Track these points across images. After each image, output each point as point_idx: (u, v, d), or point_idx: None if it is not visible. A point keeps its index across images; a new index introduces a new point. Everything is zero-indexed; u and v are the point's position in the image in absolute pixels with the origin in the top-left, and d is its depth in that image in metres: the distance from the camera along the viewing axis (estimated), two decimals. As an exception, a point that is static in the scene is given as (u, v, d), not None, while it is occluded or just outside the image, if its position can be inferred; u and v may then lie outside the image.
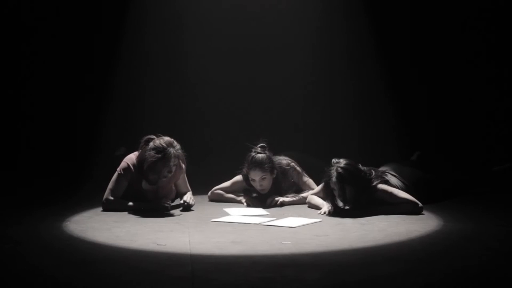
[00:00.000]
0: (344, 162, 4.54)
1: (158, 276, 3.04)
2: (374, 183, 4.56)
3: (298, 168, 5.13)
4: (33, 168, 6.27)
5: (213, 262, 3.29)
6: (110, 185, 4.71)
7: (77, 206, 4.85)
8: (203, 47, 7.03)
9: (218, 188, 5.21)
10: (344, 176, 4.46)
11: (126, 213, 4.58)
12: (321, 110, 7.06)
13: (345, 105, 7.02)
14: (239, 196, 5.14)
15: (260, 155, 4.93)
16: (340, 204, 4.57)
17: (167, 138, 4.70)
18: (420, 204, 4.54)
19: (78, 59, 6.68)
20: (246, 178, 5.04)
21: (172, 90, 7.07)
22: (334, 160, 4.59)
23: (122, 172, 4.70)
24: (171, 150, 4.63)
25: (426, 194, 4.73)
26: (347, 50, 7.03)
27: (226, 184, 5.22)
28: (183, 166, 4.86)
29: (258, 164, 4.91)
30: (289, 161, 5.12)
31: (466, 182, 5.42)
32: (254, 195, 5.08)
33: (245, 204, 5.01)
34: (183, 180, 4.94)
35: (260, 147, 4.98)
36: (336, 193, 4.51)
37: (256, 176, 4.93)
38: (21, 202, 5.09)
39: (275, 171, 4.98)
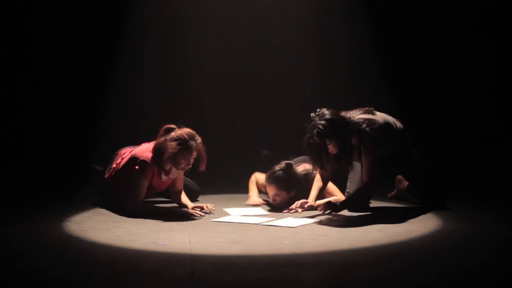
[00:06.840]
0: (326, 116, 4.43)
1: (158, 276, 3.04)
2: (356, 128, 4.47)
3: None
4: (32, 168, 6.28)
5: (213, 262, 3.29)
6: (133, 189, 4.52)
7: (77, 206, 4.85)
8: (202, 47, 7.02)
9: (257, 174, 5.20)
10: (324, 132, 4.39)
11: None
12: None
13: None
14: (253, 200, 5.09)
15: (280, 173, 4.85)
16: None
17: (188, 130, 4.54)
18: (372, 184, 4.49)
19: (77, 61, 6.68)
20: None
21: (171, 90, 7.07)
22: (312, 115, 4.49)
23: (142, 172, 4.53)
24: (193, 143, 4.49)
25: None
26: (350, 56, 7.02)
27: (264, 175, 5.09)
28: (203, 159, 4.61)
29: (275, 181, 4.84)
30: (306, 172, 4.96)
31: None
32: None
33: (252, 203, 5.01)
34: (181, 176, 4.82)
35: (286, 164, 4.89)
36: (322, 148, 4.44)
37: (271, 191, 4.88)
38: (20, 202, 5.09)
39: (293, 191, 4.87)
